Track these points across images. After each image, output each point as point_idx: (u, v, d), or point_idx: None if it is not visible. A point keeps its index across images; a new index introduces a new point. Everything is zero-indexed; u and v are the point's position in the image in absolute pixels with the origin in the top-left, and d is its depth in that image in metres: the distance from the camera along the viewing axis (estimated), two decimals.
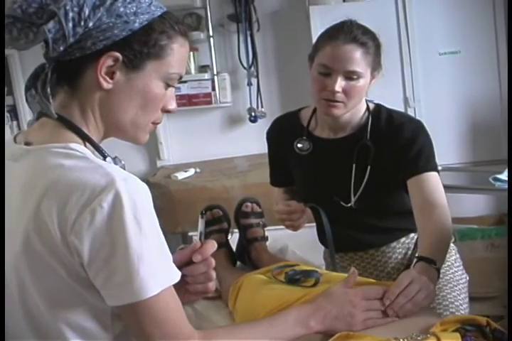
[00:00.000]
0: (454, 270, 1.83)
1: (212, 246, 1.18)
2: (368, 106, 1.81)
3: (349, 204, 1.81)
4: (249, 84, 3.90)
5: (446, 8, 3.53)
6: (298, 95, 3.32)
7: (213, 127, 4.03)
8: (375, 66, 1.70)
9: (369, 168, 1.77)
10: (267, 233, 2.17)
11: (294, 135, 1.87)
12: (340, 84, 1.64)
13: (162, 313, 1.00)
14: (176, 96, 1.23)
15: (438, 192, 1.67)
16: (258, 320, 1.28)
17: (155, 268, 0.98)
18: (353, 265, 1.93)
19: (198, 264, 1.16)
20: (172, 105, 1.15)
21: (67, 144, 1.04)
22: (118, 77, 1.06)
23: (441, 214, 1.61)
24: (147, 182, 2.98)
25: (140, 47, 1.06)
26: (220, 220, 2.15)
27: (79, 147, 1.04)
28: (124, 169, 1.05)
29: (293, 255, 2.28)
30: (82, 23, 1.01)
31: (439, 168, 1.78)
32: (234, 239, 2.20)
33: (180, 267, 1.06)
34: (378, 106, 1.83)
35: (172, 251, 1.06)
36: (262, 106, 3.92)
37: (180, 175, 3.59)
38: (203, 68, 3.90)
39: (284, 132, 1.93)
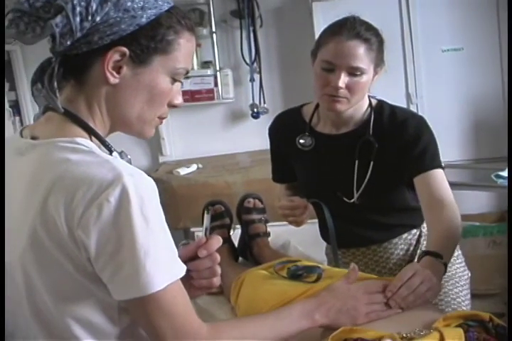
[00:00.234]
0: (456, 266, 1.83)
1: (217, 241, 1.18)
2: (370, 102, 1.81)
3: (352, 200, 1.81)
4: (252, 80, 3.90)
5: (449, 5, 3.53)
6: (300, 91, 3.33)
7: (215, 123, 4.03)
8: (378, 62, 1.70)
9: (372, 163, 1.77)
10: (269, 229, 2.18)
11: (296, 131, 1.87)
12: (343, 80, 1.64)
13: (170, 307, 1.01)
14: None
15: (445, 190, 1.68)
16: (264, 313, 1.28)
17: (161, 263, 0.99)
18: (355, 261, 1.94)
19: (203, 259, 1.16)
20: (178, 100, 1.15)
21: (73, 138, 1.04)
22: (125, 72, 1.06)
23: (450, 211, 1.62)
24: None
25: (147, 42, 1.06)
26: (222, 216, 2.16)
27: (85, 141, 1.04)
28: (131, 163, 1.05)
29: (295, 251, 2.29)
30: (90, 18, 1.01)
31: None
32: (236, 234, 2.21)
33: (185, 262, 1.06)
34: (381, 102, 1.83)
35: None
36: (264, 102, 3.92)
37: (183, 171, 3.59)
38: (205, 64, 3.91)
39: (286, 128, 1.93)
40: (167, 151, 4.04)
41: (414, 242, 1.90)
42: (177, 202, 3.41)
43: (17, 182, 1.05)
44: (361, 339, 1.12)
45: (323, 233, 2.00)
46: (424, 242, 1.90)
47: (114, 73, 1.05)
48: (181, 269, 1.04)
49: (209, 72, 3.87)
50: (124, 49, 1.04)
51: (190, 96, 3.81)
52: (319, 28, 3.32)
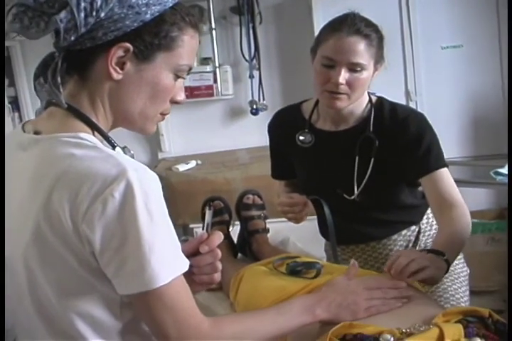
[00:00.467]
0: (455, 263, 1.84)
1: (219, 237, 1.18)
2: (370, 98, 1.81)
3: (352, 197, 1.81)
4: (251, 76, 3.90)
5: (448, 2, 3.53)
6: (299, 88, 3.33)
7: (215, 119, 4.02)
8: (378, 58, 1.70)
9: (372, 160, 1.77)
10: (268, 225, 2.19)
11: (296, 127, 1.87)
12: (344, 76, 1.64)
13: (173, 301, 1.01)
14: None
15: (453, 189, 1.70)
16: (265, 308, 1.29)
17: (166, 257, 0.99)
18: (355, 257, 1.94)
19: (205, 255, 1.17)
20: (181, 96, 1.16)
21: (76, 134, 1.04)
22: (128, 68, 1.06)
23: (459, 212, 1.64)
24: None
25: (151, 38, 1.06)
26: (221, 212, 2.17)
27: (88, 136, 1.04)
28: (133, 159, 1.05)
29: (294, 247, 2.29)
30: (94, 14, 1.01)
31: None
32: (235, 230, 2.21)
33: (186, 257, 1.06)
34: (380, 99, 1.83)
35: None
36: (263, 99, 3.92)
37: (182, 167, 3.59)
38: (205, 60, 3.90)
39: (285, 125, 1.93)
40: (166, 147, 4.04)
41: (413, 239, 1.91)
42: (176, 198, 3.41)
43: (19, 177, 1.06)
44: (361, 335, 1.12)
45: (322, 230, 2.01)
46: (423, 238, 1.91)
47: (118, 69, 1.06)
48: (185, 264, 1.04)
49: (208, 68, 3.86)
50: (128, 45, 1.04)
51: (189, 92, 3.80)
52: (319, 24, 3.32)
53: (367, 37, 1.64)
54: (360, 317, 1.24)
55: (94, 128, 1.08)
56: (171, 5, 1.08)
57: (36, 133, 1.09)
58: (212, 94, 3.88)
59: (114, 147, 1.09)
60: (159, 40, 1.07)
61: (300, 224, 1.87)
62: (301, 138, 1.86)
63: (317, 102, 1.85)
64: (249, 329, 1.14)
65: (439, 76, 3.59)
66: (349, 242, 1.94)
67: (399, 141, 1.74)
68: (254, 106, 3.89)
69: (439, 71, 3.58)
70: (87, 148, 1.01)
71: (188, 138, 4.01)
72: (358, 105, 1.79)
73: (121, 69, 1.06)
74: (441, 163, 1.72)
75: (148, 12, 1.04)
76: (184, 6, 1.11)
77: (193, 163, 3.68)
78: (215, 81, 3.87)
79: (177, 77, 1.12)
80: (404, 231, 1.90)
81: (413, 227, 1.91)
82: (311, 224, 2.02)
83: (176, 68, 1.10)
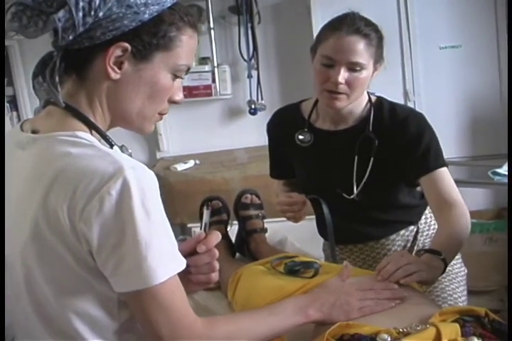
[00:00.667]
0: (453, 263, 1.84)
1: (216, 237, 1.18)
2: (369, 98, 1.81)
3: (351, 197, 1.81)
4: (250, 76, 3.90)
5: (447, 2, 3.52)
6: (298, 88, 3.33)
7: (213, 119, 4.03)
8: (378, 58, 1.70)
9: (372, 160, 1.77)
10: (266, 225, 2.19)
11: (295, 127, 1.87)
12: (343, 75, 1.64)
13: (167, 300, 1.02)
14: None
15: (453, 189, 1.70)
16: (258, 308, 1.29)
17: (162, 256, 1.00)
18: (353, 257, 1.94)
19: (202, 255, 1.17)
20: (179, 96, 1.16)
21: (74, 132, 1.04)
22: (126, 68, 1.06)
23: (459, 213, 1.64)
24: None
25: (149, 38, 1.06)
26: (219, 212, 2.17)
27: (86, 135, 1.05)
28: (131, 157, 1.06)
29: (292, 247, 2.29)
30: (92, 13, 1.01)
31: None
32: (233, 230, 2.21)
33: (184, 257, 1.06)
34: (380, 99, 1.83)
35: None
36: (261, 99, 3.92)
37: (180, 167, 3.59)
38: (203, 60, 3.90)
39: (284, 124, 1.93)
40: (164, 147, 4.04)
41: (411, 238, 1.91)
42: (174, 197, 3.41)
43: (17, 175, 1.06)
44: (358, 335, 1.12)
45: (320, 229, 2.01)
46: (421, 238, 1.91)
47: (116, 68, 1.06)
48: (181, 263, 1.04)
49: (207, 68, 3.86)
50: (126, 45, 1.04)
51: (187, 92, 3.80)
52: (317, 24, 3.33)
53: (366, 36, 1.65)
54: (353, 317, 1.24)
55: (91, 127, 1.08)
56: (169, 5, 1.08)
57: (34, 132, 1.09)
58: (210, 94, 3.88)
59: (111, 146, 1.09)
60: (157, 40, 1.07)
61: (298, 223, 1.88)
62: (300, 137, 1.86)
63: (316, 102, 1.86)
64: (242, 330, 1.14)
65: (438, 76, 3.59)
66: (347, 242, 1.94)
67: (398, 140, 1.75)
68: (253, 106, 3.90)
69: (438, 71, 3.58)
70: (85, 146, 1.02)
71: (186, 137, 4.01)
72: (358, 105, 1.79)
73: (120, 68, 1.06)
74: (441, 163, 1.72)
75: (147, 12, 1.05)
76: (183, 6, 1.11)
77: (191, 163, 3.68)
78: (214, 81, 3.87)
79: (175, 76, 1.12)
80: (402, 231, 1.91)
81: (411, 227, 1.92)
82: (309, 223, 2.02)
83: (174, 68, 1.10)
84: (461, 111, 3.62)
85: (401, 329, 1.13)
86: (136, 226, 0.96)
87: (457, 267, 1.89)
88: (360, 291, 1.31)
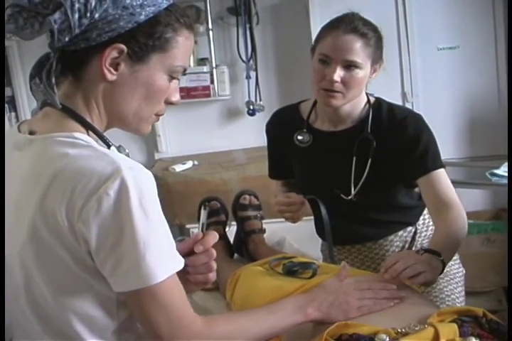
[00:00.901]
0: (451, 263, 1.84)
1: (213, 237, 1.19)
2: (368, 99, 1.81)
3: (349, 197, 1.82)
4: (248, 77, 3.90)
5: (445, 3, 3.53)
6: (296, 89, 3.33)
7: (211, 120, 4.03)
8: (376, 58, 1.70)
9: (370, 160, 1.77)
10: (264, 225, 2.19)
11: (294, 127, 1.88)
12: (338, 73, 1.65)
13: (167, 299, 1.02)
14: None
15: (450, 190, 1.70)
16: (257, 308, 1.29)
17: (161, 255, 1.00)
18: (351, 257, 1.95)
19: (200, 255, 1.17)
20: (175, 97, 1.16)
21: (71, 133, 1.04)
22: (122, 69, 1.07)
23: (456, 213, 1.64)
24: None
25: (145, 39, 1.06)
26: (217, 212, 2.17)
27: (83, 136, 1.05)
28: (129, 157, 1.06)
29: (290, 247, 2.29)
30: (88, 15, 1.01)
31: None
32: (231, 231, 2.21)
33: (182, 257, 1.07)
34: (378, 100, 1.83)
35: None
36: (260, 100, 3.92)
37: (178, 168, 3.59)
38: (201, 61, 3.90)
39: (283, 125, 1.93)
40: (163, 148, 4.04)
41: (409, 239, 1.91)
42: (172, 198, 3.41)
43: (15, 176, 1.06)
44: (356, 335, 1.12)
45: (318, 230, 2.01)
46: (420, 239, 1.91)
47: (112, 70, 1.06)
48: (180, 262, 1.05)
49: (205, 69, 3.86)
50: (122, 46, 1.04)
51: (186, 93, 3.80)
52: (316, 25, 3.33)
53: (364, 36, 1.65)
54: (351, 316, 1.24)
55: (88, 128, 1.09)
56: (165, 6, 1.08)
57: (31, 133, 1.09)
58: (209, 95, 3.88)
59: (109, 146, 1.09)
60: (153, 41, 1.07)
61: (296, 224, 1.88)
62: (299, 137, 1.86)
63: (315, 103, 1.86)
64: (241, 329, 1.14)
65: (436, 77, 3.59)
66: (345, 242, 1.94)
67: (396, 141, 1.75)
68: (251, 107, 3.90)
69: (436, 72, 3.58)
70: (82, 147, 1.02)
71: (184, 138, 4.01)
72: (356, 105, 1.79)
73: (116, 70, 1.06)
74: (438, 164, 1.73)
75: (143, 13, 1.05)
76: (179, 7, 1.11)
77: (189, 164, 3.68)
78: (212, 81, 3.87)
79: (172, 78, 1.12)
80: (400, 232, 1.91)
81: (409, 228, 1.92)
82: (307, 224, 2.02)
83: (170, 69, 1.10)
84: (459, 112, 3.63)
85: (399, 330, 1.13)
86: (135, 226, 0.96)
87: (455, 268, 1.89)
88: (358, 291, 1.31)
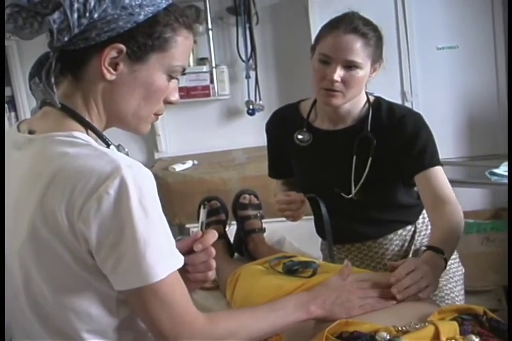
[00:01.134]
0: (451, 262, 1.84)
1: (213, 235, 1.19)
2: (368, 98, 1.82)
3: (349, 196, 1.82)
4: (248, 77, 3.90)
5: (444, 3, 3.53)
6: (296, 88, 3.33)
7: (211, 120, 4.02)
8: (376, 58, 1.70)
9: (370, 159, 1.78)
10: (264, 225, 2.19)
11: (294, 126, 1.88)
12: (339, 73, 1.65)
13: (168, 297, 1.02)
14: None
15: (446, 187, 1.69)
16: (259, 305, 1.29)
17: (161, 253, 1.00)
18: (351, 256, 1.95)
19: (199, 253, 1.17)
20: (174, 97, 1.16)
21: (70, 133, 1.04)
22: (121, 69, 1.07)
23: (452, 209, 1.64)
24: None
25: (144, 39, 1.06)
26: (217, 212, 2.17)
27: (82, 135, 1.05)
28: (128, 156, 1.06)
29: (290, 247, 2.30)
30: (87, 15, 1.01)
31: None
32: (231, 230, 2.21)
33: None
34: (378, 99, 1.84)
35: None
36: (260, 99, 3.92)
37: (178, 167, 3.59)
38: (201, 61, 3.90)
39: (283, 124, 1.94)
40: (163, 147, 4.04)
41: (409, 238, 1.92)
42: (172, 198, 3.41)
43: (14, 176, 1.06)
44: (357, 333, 1.13)
45: (318, 229, 2.01)
46: (419, 238, 1.92)
47: (111, 69, 1.06)
48: (180, 260, 1.05)
49: (205, 68, 3.86)
50: (121, 46, 1.05)
51: (185, 92, 3.81)
52: (315, 25, 3.33)
53: (364, 35, 1.65)
54: (354, 314, 1.25)
55: (88, 127, 1.09)
56: (164, 6, 1.08)
57: (31, 132, 1.09)
58: (208, 95, 3.88)
59: (108, 145, 1.09)
60: (152, 41, 1.07)
61: (296, 223, 1.88)
62: (299, 137, 1.87)
63: (315, 102, 1.87)
64: (243, 326, 1.14)
65: (435, 76, 3.59)
66: (345, 241, 1.95)
67: (396, 140, 1.75)
68: (251, 107, 3.90)
69: (435, 71, 3.59)
70: (81, 146, 1.02)
71: (184, 138, 4.01)
72: (356, 104, 1.80)
73: (115, 69, 1.06)
74: (436, 161, 1.73)
75: (142, 13, 1.05)
76: (178, 7, 1.12)
77: (189, 163, 3.68)
78: (212, 81, 3.87)
79: (171, 77, 1.12)
80: (400, 231, 1.91)
81: (409, 227, 1.92)
82: (307, 223, 2.03)
83: (169, 69, 1.11)
84: (458, 111, 3.63)
85: (400, 328, 1.14)
86: (135, 224, 0.96)
87: (454, 266, 1.89)
88: (361, 289, 1.32)
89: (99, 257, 0.99)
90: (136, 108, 1.11)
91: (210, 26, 3.84)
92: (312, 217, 1.99)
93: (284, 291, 1.48)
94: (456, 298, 1.85)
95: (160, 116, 1.19)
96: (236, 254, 2.18)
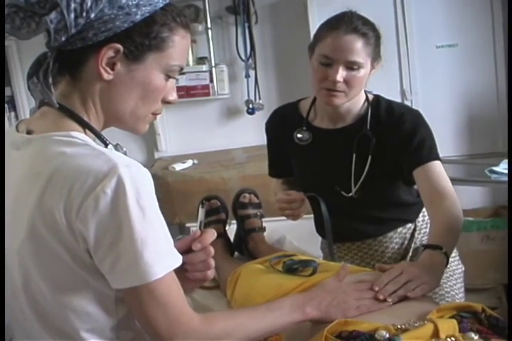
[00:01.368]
0: (451, 260, 1.83)
1: (211, 234, 1.19)
2: (367, 96, 1.82)
3: (350, 194, 1.82)
4: (247, 76, 3.90)
5: (444, 1, 3.53)
6: (295, 87, 3.34)
7: (211, 119, 4.03)
8: (375, 56, 1.71)
9: (370, 157, 1.78)
10: (264, 224, 2.19)
11: (294, 125, 1.88)
12: (341, 74, 1.65)
13: (165, 297, 1.02)
14: None
15: (445, 181, 1.69)
16: (256, 305, 1.29)
17: (159, 252, 1.00)
18: (351, 255, 1.95)
19: (198, 252, 1.17)
20: (172, 96, 1.16)
21: (68, 132, 1.05)
22: (119, 69, 1.07)
23: (450, 202, 1.63)
24: None
25: (141, 39, 1.06)
26: (218, 211, 2.17)
27: (80, 135, 1.05)
28: (126, 155, 1.06)
29: (290, 245, 2.30)
30: (84, 14, 1.01)
31: None
32: (232, 229, 2.22)
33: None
34: (377, 97, 1.84)
35: None
36: (259, 98, 3.92)
37: (178, 167, 3.60)
38: (201, 60, 3.90)
39: (283, 123, 1.94)
40: (162, 147, 4.04)
41: (408, 236, 1.92)
42: (172, 197, 3.42)
43: (13, 175, 1.06)
44: (356, 332, 1.13)
45: (318, 227, 2.01)
46: (419, 236, 1.92)
47: (108, 69, 1.06)
48: (178, 259, 1.05)
49: (204, 67, 3.86)
50: (118, 46, 1.05)
51: (185, 92, 3.82)
52: (314, 24, 3.33)
53: (364, 35, 1.65)
54: (350, 315, 1.24)
55: (85, 126, 1.09)
56: (161, 6, 1.08)
57: (29, 132, 1.10)
58: (208, 94, 3.88)
59: (106, 145, 1.09)
60: (150, 41, 1.07)
61: (296, 222, 1.88)
62: (298, 135, 1.87)
63: (314, 100, 1.87)
64: (239, 326, 1.14)
65: (434, 75, 3.59)
66: (345, 240, 1.95)
67: (395, 137, 1.75)
68: (251, 106, 3.90)
69: (434, 70, 3.59)
70: (79, 146, 1.02)
71: (184, 137, 4.02)
72: (355, 103, 1.80)
73: (112, 69, 1.06)
74: (434, 156, 1.72)
75: (139, 13, 1.05)
76: (175, 7, 1.12)
77: (189, 163, 3.68)
78: (211, 80, 3.88)
79: (168, 77, 1.12)
80: (400, 229, 1.91)
81: (409, 225, 1.92)
82: (307, 222, 2.03)
83: (166, 68, 1.11)
84: (457, 109, 3.63)
85: (399, 326, 1.14)
86: (132, 223, 0.97)
87: (454, 264, 1.89)
88: (357, 291, 1.31)
89: (97, 256, 1.00)
90: (133, 107, 1.11)
91: (209, 25, 3.85)
92: (312, 215, 1.99)
93: (284, 290, 1.48)
94: (456, 296, 1.85)
95: (159, 116, 1.19)
96: (236, 253, 2.18)
